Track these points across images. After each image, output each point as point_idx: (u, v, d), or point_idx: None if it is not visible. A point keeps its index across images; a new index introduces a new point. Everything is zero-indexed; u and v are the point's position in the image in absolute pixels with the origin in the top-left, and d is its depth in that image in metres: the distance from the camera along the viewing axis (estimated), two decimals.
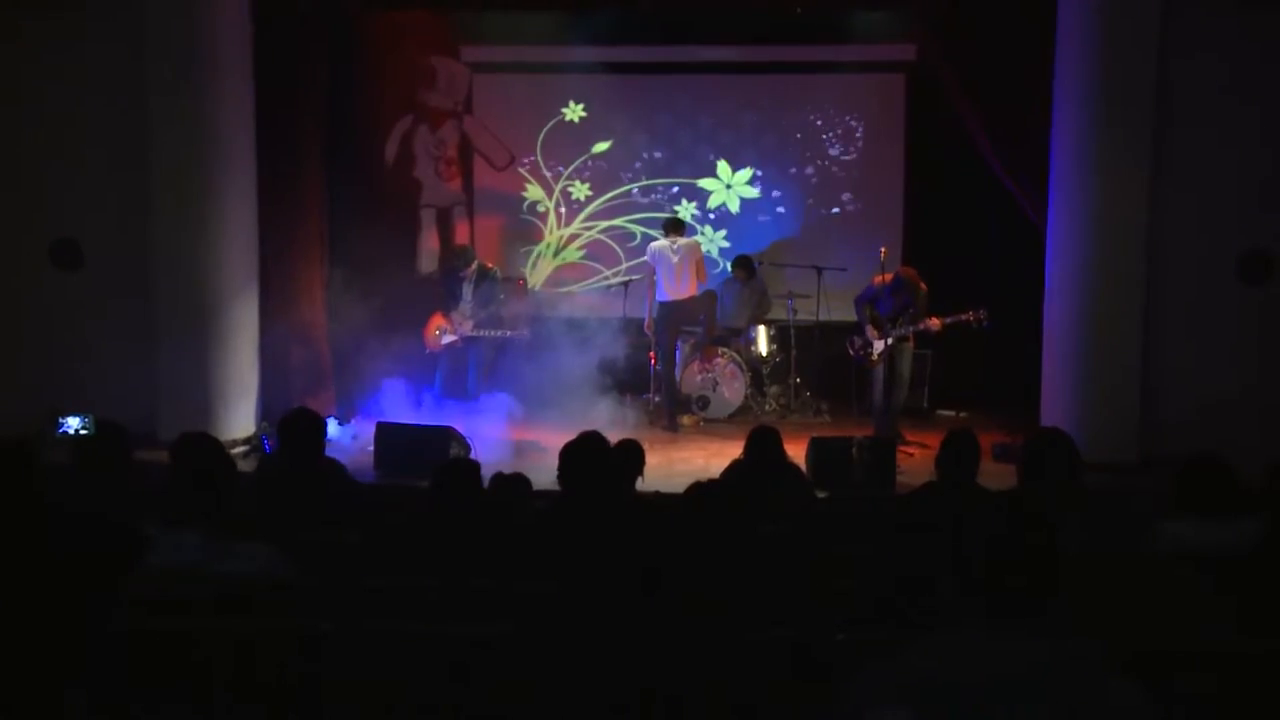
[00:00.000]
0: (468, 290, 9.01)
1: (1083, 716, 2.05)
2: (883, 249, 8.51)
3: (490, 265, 9.29)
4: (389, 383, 8.94)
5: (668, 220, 9.52)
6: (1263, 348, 8.15)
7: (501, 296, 9.12)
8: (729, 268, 10.55)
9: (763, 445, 5.48)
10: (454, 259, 9.09)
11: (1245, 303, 8.16)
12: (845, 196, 10.94)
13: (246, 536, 3.59)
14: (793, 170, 10.98)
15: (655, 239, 9.58)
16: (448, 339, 9.05)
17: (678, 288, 9.17)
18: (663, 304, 9.24)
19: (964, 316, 8.24)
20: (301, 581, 3.59)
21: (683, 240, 9.28)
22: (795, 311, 10.16)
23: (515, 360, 9.40)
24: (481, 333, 9.06)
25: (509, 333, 9.17)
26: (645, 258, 9.42)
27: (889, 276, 8.57)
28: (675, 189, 11.04)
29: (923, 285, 8.48)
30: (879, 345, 8.51)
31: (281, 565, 3.58)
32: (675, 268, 9.13)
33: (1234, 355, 8.14)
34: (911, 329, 8.39)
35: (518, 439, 8.50)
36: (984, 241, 9.60)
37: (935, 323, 8.32)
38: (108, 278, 8.63)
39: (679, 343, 10.20)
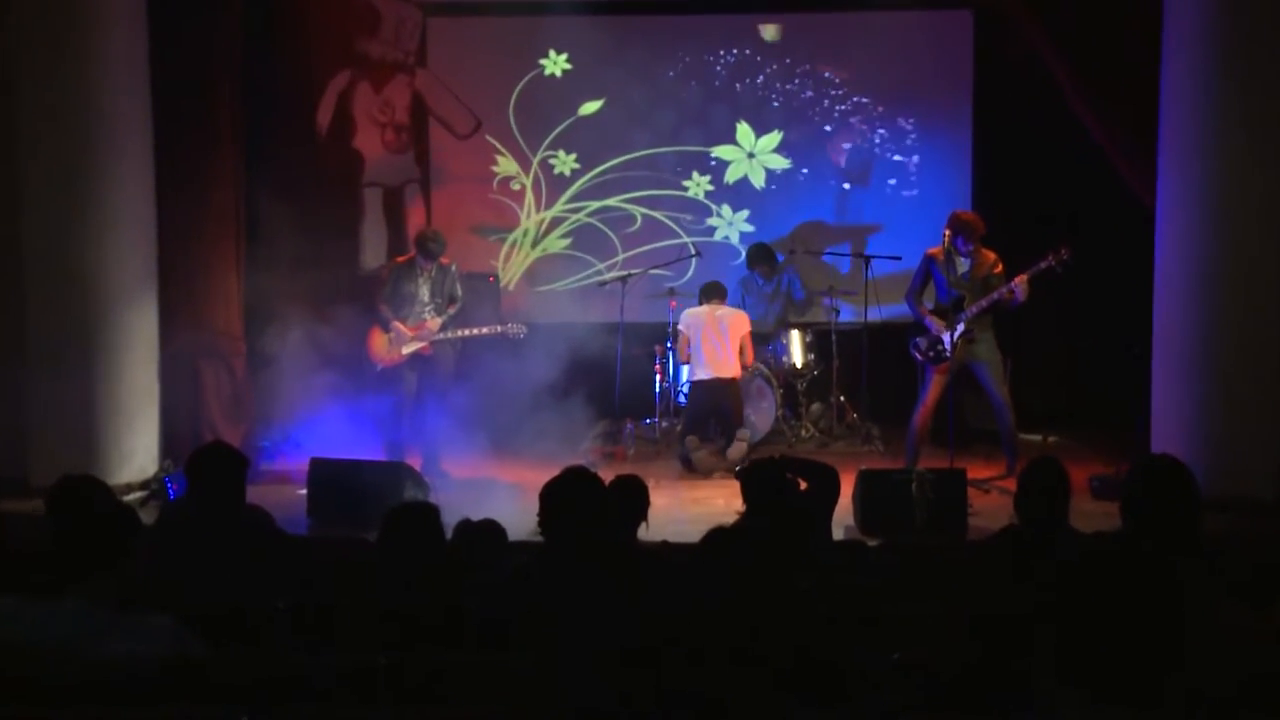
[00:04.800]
0: (424, 288, 8.91)
1: None
2: (946, 231, 8.44)
3: (445, 260, 9.09)
4: (327, 408, 8.95)
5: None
6: None
7: (460, 290, 9.02)
8: (745, 260, 10.55)
9: (761, 489, 5.27)
10: (427, 243, 8.85)
11: None
12: (899, 165, 10.95)
13: (144, 607, 3.58)
14: (832, 134, 10.99)
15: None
16: (409, 348, 8.83)
17: (714, 362, 9.14)
18: (694, 384, 9.28)
19: (1042, 264, 8.10)
20: (214, 662, 3.58)
21: (725, 310, 9.32)
22: (837, 312, 10.16)
23: (489, 374, 9.32)
24: (455, 334, 8.93)
25: (499, 329, 9.05)
26: (680, 326, 9.42)
27: (939, 250, 8.39)
28: (685, 160, 11.05)
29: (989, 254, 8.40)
30: (950, 338, 8.33)
31: (188, 642, 3.57)
32: (715, 338, 9.15)
33: None
34: (992, 299, 8.22)
35: (489, 476, 8.50)
36: (1073, 220, 9.59)
37: (1021, 282, 8.12)
38: None
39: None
